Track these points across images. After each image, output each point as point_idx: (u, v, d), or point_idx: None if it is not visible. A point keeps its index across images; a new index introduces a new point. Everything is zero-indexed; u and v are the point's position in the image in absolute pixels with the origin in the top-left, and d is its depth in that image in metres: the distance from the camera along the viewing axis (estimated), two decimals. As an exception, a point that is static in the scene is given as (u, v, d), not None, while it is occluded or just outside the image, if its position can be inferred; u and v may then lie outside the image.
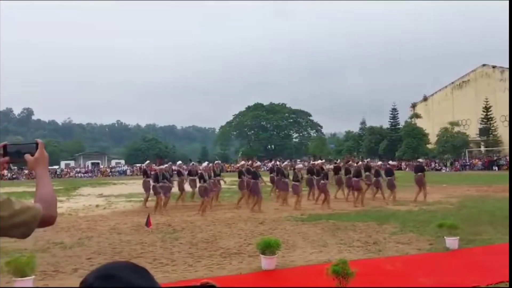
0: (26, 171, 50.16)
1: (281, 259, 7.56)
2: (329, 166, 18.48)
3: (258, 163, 17.57)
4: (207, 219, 13.01)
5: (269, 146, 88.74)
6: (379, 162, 18.79)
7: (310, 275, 6.65)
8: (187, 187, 18.05)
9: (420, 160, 19.16)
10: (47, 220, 1.55)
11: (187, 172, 18.77)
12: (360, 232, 10.32)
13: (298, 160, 55.66)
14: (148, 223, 10.92)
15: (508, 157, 51.39)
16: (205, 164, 16.47)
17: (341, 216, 13.09)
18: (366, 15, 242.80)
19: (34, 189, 1.65)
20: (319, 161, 18.22)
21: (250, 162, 18.50)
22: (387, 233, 10.11)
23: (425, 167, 18.10)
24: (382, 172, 17.40)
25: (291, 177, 16.13)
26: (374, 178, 17.13)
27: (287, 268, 7.24)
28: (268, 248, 7.08)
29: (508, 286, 5.88)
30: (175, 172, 18.45)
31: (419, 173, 17.27)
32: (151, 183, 15.88)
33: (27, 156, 1.63)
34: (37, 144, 1.65)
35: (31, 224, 1.49)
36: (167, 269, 7.23)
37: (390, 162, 19.40)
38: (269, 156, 69.77)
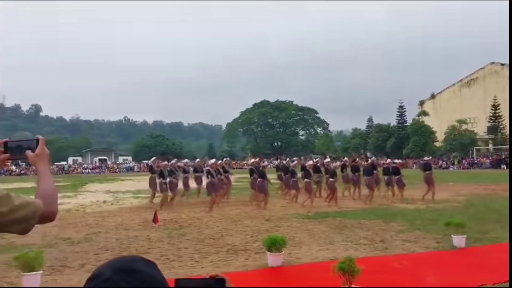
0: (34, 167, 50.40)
1: (288, 256, 7.57)
2: (336, 164, 18.30)
3: (266, 162, 17.34)
4: (213, 215, 13.04)
5: (275, 144, 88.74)
6: (387, 160, 18.58)
7: (317, 272, 6.65)
8: (192, 183, 18.11)
9: (426, 158, 18.95)
10: (48, 216, 1.55)
11: (192, 169, 18.78)
12: (367, 230, 10.30)
13: (302, 157, 55.39)
14: (155, 220, 10.98)
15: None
16: (212, 160, 16.46)
17: (348, 213, 13.07)
18: (375, 13, 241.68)
19: None
20: (327, 160, 18.04)
21: (257, 159, 18.39)
22: (394, 231, 10.08)
23: (432, 165, 17.75)
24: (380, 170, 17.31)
25: (299, 174, 16.14)
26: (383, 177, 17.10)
27: (294, 265, 7.24)
28: (274, 245, 7.08)
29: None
30: (181, 168, 18.49)
31: (428, 171, 17.15)
32: (157, 179, 15.91)
33: (28, 152, 1.63)
34: (37, 140, 1.65)
35: (31, 220, 1.48)
36: (173, 265, 7.26)
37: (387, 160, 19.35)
38: (276, 153, 69.74)
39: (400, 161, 18.24)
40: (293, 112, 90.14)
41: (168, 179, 15.46)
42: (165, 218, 12.34)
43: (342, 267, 5.48)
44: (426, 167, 17.52)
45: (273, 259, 7.14)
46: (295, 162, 18.17)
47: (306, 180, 15.35)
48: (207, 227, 11.10)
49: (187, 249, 8.50)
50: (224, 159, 19.90)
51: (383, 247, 8.41)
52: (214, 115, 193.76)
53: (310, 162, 16.98)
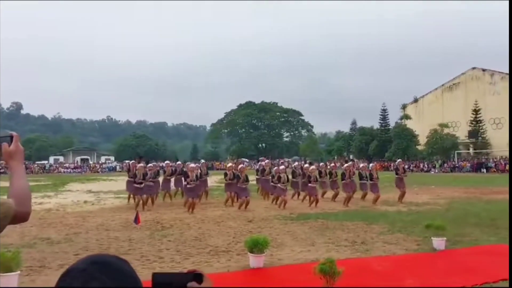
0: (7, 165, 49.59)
1: (269, 258, 7.57)
2: (313, 167, 17.98)
3: (243, 165, 17.15)
4: (196, 216, 12.98)
5: (260, 145, 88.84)
6: (363, 164, 18.68)
7: (298, 273, 6.66)
8: (172, 185, 18.06)
9: (397, 160, 19.06)
10: (21, 216, 1.50)
11: (173, 170, 18.65)
12: (348, 231, 10.36)
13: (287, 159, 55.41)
14: (137, 220, 10.87)
15: (496, 159, 51.95)
16: (191, 165, 16.41)
17: (330, 215, 13.13)
18: (358, 17, 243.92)
19: None
20: (313, 167, 17.81)
21: (234, 164, 18.44)
22: (375, 233, 10.16)
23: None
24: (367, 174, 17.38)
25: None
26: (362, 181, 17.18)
27: (275, 266, 7.24)
28: (256, 246, 7.07)
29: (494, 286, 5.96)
30: (162, 170, 18.44)
31: (397, 175, 17.37)
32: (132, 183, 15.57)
33: (4, 145, 1.58)
34: (11, 137, 1.59)
35: (3, 221, 1.43)
36: (154, 266, 7.20)
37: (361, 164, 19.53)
38: (260, 155, 69.77)
39: (368, 164, 18.29)
40: (277, 113, 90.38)
41: (143, 183, 15.15)
42: (147, 219, 12.24)
43: (323, 268, 5.50)
44: (396, 171, 17.75)
45: (254, 260, 7.13)
46: (276, 168, 18.00)
47: (279, 185, 15.30)
48: (189, 228, 11.04)
49: (169, 250, 8.44)
50: (201, 161, 20.03)
51: (364, 249, 8.46)
52: (198, 115, 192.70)
53: (282, 167, 16.94)
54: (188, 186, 14.58)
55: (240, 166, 16.44)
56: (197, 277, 1.09)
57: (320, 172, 17.90)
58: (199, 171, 16.85)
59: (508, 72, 45.19)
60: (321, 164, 20.38)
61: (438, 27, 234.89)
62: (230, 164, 17.65)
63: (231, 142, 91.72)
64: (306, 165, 18.39)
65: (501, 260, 6.81)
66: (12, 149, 1.58)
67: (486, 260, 7.37)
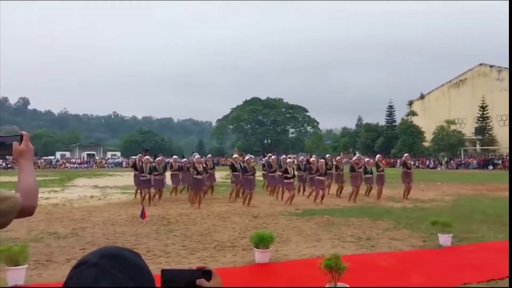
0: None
1: (275, 253, 7.58)
2: (322, 161, 17.98)
3: (247, 157, 17.13)
4: (201, 212, 13.02)
5: (265, 141, 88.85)
6: (368, 159, 18.57)
7: (303, 269, 6.66)
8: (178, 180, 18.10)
9: (405, 156, 18.95)
10: (27, 210, 1.54)
11: (179, 166, 18.67)
12: (354, 227, 10.35)
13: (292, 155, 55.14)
14: (143, 215, 10.91)
15: (503, 156, 51.63)
16: (197, 156, 16.29)
17: (336, 211, 13.13)
18: (365, 13, 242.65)
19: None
20: (321, 160, 17.77)
21: (239, 155, 18.44)
22: (381, 229, 10.14)
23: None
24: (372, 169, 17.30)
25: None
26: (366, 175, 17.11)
27: (281, 262, 7.25)
28: (262, 241, 7.09)
29: (495, 285, 5.94)
30: (169, 165, 18.49)
31: (404, 169, 17.34)
32: (139, 176, 15.58)
33: (15, 144, 1.61)
34: (21, 136, 1.62)
35: (9, 215, 1.46)
36: (160, 261, 7.23)
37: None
38: (265, 151, 69.71)
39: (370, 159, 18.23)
40: (283, 109, 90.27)
41: (150, 176, 15.18)
42: (153, 214, 12.29)
43: (329, 264, 5.49)
44: (403, 165, 17.70)
45: (260, 256, 7.15)
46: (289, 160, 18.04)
47: (286, 180, 15.27)
48: (195, 223, 11.08)
49: (174, 245, 8.47)
50: (208, 156, 20.05)
51: (369, 245, 8.45)
52: (204, 111, 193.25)
53: (289, 160, 16.91)
54: (195, 177, 14.58)
55: (246, 157, 16.42)
56: (206, 273, 1.09)
57: (326, 163, 17.92)
58: (205, 165, 16.84)
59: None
60: (327, 156, 20.31)
61: (445, 24, 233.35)
62: (235, 155, 17.58)
63: (237, 138, 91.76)
64: (312, 158, 18.36)
65: (507, 257, 6.77)
66: (23, 148, 1.62)
67: (492, 257, 7.35)
